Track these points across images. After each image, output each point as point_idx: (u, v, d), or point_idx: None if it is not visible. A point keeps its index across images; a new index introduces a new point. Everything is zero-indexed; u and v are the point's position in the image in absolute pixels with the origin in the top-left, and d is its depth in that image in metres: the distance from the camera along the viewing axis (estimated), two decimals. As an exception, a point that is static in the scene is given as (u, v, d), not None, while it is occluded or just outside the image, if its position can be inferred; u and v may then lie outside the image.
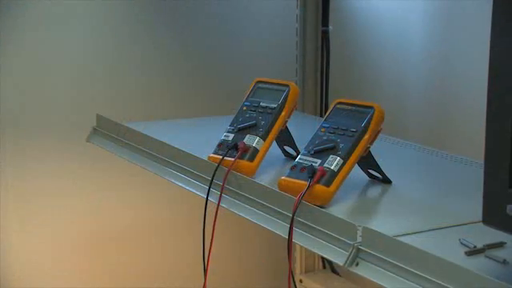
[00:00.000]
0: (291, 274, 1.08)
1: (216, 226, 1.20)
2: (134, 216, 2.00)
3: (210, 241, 1.21)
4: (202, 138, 1.46)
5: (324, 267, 2.09)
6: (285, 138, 1.35)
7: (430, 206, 1.15)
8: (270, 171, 1.29)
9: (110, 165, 1.89)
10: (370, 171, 1.24)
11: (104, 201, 1.95)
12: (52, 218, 1.90)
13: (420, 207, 1.15)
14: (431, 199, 1.18)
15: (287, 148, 1.38)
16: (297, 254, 2.07)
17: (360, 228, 0.96)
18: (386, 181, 1.23)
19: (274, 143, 1.33)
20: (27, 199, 1.87)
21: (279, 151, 1.38)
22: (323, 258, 2.08)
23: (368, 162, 1.21)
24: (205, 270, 1.25)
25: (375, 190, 1.22)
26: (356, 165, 1.18)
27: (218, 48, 2.02)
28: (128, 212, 1.99)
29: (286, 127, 1.32)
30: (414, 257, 0.87)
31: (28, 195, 1.87)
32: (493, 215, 0.81)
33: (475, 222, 1.01)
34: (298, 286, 2.04)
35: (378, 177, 1.24)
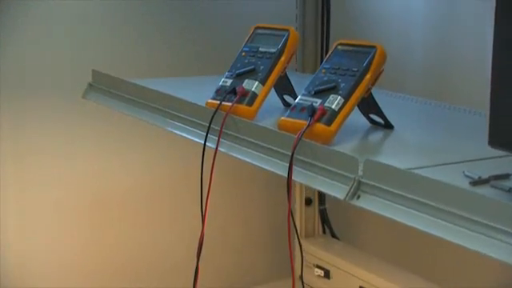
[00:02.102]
0: (291, 213, 1.05)
1: (214, 176, 1.18)
2: (135, 179, 1.98)
3: (207, 189, 1.19)
4: (202, 92, 1.42)
5: (324, 232, 2.06)
6: (284, 86, 1.32)
7: (433, 146, 1.12)
8: (269, 118, 1.26)
9: (109, 125, 1.89)
10: (372, 116, 1.21)
11: (104, 162, 1.94)
12: (52, 178, 1.89)
13: (423, 148, 1.12)
14: (434, 141, 1.16)
15: (287, 97, 1.35)
16: (297, 219, 2.04)
17: (361, 161, 0.93)
18: (388, 126, 1.21)
19: (274, 92, 1.31)
20: (25, 160, 1.86)
21: (279, 101, 1.35)
22: (323, 223, 2.05)
23: (369, 105, 1.18)
24: (203, 219, 1.23)
25: (377, 134, 1.20)
26: (357, 110, 1.15)
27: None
28: (129, 174, 1.97)
29: (286, 74, 1.29)
30: (417, 185, 0.85)
31: (26, 155, 1.85)
32: (499, 136, 0.79)
33: (479, 159, 0.99)
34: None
35: (379, 122, 1.22)
